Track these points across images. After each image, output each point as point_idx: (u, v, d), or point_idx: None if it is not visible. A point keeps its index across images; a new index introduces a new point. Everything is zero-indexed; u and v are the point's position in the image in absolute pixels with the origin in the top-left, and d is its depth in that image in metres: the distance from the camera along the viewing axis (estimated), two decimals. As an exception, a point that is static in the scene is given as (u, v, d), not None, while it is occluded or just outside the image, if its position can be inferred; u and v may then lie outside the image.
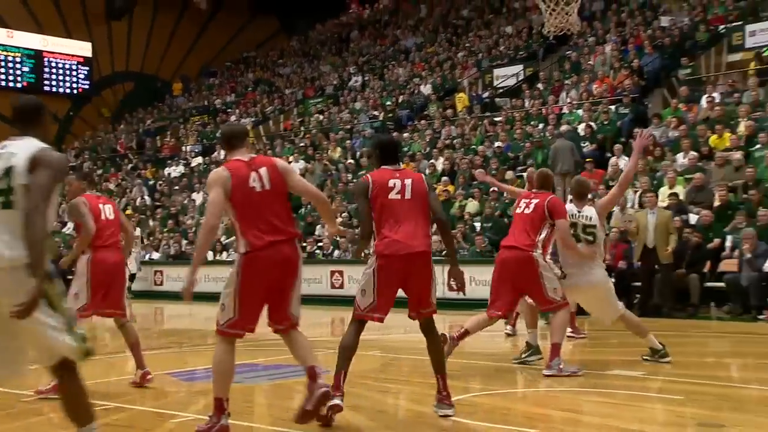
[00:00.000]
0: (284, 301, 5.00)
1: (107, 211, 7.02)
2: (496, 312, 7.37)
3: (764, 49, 18.81)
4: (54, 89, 35.01)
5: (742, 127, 15.28)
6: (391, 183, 5.34)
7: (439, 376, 5.43)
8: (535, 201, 7.36)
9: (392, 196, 5.32)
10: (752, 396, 6.36)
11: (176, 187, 25.50)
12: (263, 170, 4.98)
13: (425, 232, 5.37)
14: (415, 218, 5.33)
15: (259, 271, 4.85)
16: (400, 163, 5.57)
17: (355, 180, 20.34)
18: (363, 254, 5.59)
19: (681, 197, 13.78)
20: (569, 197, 8.03)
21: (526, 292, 7.45)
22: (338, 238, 17.25)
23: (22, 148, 3.81)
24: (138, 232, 20.43)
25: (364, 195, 5.35)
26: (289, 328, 5.04)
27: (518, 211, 7.46)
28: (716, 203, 13.31)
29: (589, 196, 8.18)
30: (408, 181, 5.38)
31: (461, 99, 22.94)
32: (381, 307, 5.34)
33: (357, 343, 5.39)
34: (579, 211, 7.62)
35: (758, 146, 14.48)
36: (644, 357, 7.70)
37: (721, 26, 20.25)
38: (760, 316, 11.60)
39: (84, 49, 35.73)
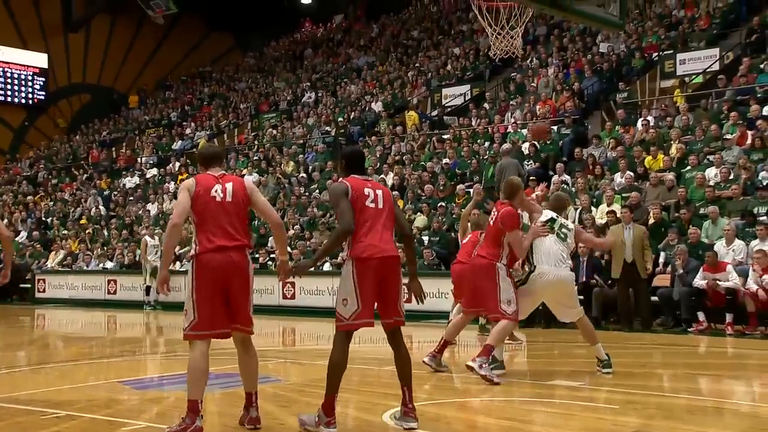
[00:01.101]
0: (242, 305, 5.23)
1: None
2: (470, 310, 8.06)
3: (693, 77, 19.33)
4: (9, 99, 34.29)
5: (674, 150, 15.66)
6: (366, 191, 5.32)
7: (406, 388, 5.27)
8: (495, 214, 7.77)
9: (368, 203, 5.30)
10: (682, 405, 6.50)
11: (131, 198, 25.12)
12: (229, 185, 5.31)
13: (393, 240, 5.41)
14: (385, 227, 5.33)
15: (209, 272, 5.11)
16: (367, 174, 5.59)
17: (307, 193, 20.31)
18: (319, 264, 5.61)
19: (618, 215, 14.02)
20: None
21: (482, 298, 7.67)
22: (291, 253, 17.16)
23: None
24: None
25: (345, 195, 5.26)
26: (249, 333, 5.32)
27: (490, 222, 7.87)
28: (651, 221, 13.58)
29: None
30: (379, 192, 5.38)
31: (411, 117, 23.07)
32: (367, 313, 5.20)
33: (347, 358, 5.23)
34: (557, 216, 7.96)
35: (688, 168, 14.85)
36: (597, 367, 7.88)
37: (655, 54, 20.76)
38: (690, 329, 11.86)
39: (40, 60, 35.01)
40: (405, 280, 5.42)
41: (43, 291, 21.34)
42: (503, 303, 7.42)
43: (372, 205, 5.30)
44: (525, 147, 17.99)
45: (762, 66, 17.20)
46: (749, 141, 14.92)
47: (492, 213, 7.93)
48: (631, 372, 8.17)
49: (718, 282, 11.71)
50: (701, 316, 11.93)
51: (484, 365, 7.19)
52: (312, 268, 5.69)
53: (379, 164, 20.40)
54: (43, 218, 25.89)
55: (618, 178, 15.53)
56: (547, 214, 7.93)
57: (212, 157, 5.46)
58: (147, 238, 18.81)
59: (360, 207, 5.26)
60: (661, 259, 12.92)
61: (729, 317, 11.61)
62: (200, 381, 5.09)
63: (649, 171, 15.15)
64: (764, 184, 13.56)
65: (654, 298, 12.47)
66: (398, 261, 5.31)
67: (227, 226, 5.20)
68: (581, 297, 12.36)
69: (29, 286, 21.68)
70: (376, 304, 5.28)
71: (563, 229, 7.85)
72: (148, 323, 16.27)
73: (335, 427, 5.12)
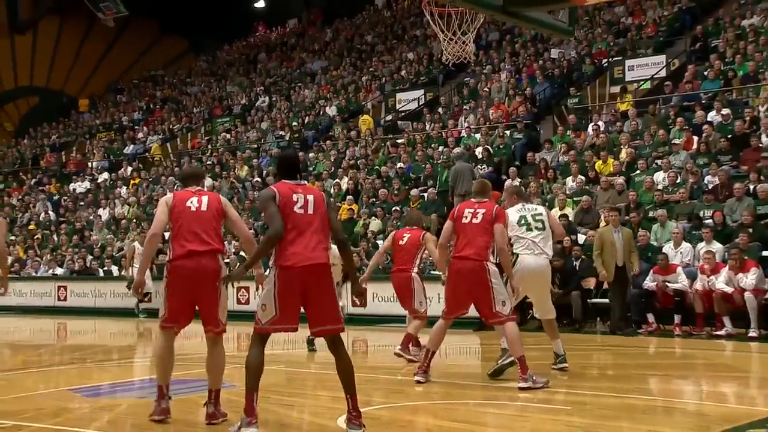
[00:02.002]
0: (210, 306, 5.69)
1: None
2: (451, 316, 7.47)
3: (641, 83, 19.70)
4: (-47, 102, 33.42)
5: (623, 154, 15.92)
6: (294, 197, 5.24)
7: (349, 397, 5.21)
8: (481, 210, 7.29)
9: (296, 209, 5.22)
10: (633, 405, 6.60)
11: (81, 203, 24.69)
12: (205, 197, 5.84)
13: (325, 246, 5.30)
14: (316, 233, 5.24)
15: (180, 276, 5.65)
16: (301, 179, 5.51)
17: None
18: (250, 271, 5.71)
19: (570, 218, 14.22)
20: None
21: (477, 302, 7.31)
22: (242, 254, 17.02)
23: None
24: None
25: (273, 200, 5.20)
26: (218, 333, 5.74)
27: (464, 221, 7.29)
28: (602, 224, 13.78)
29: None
30: (310, 197, 5.29)
31: (366, 121, 23.09)
32: (285, 319, 5.18)
33: (263, 359, 5.24)
34: (523, 205, 7.97)
35: (638, 172, 15.12)
36: (552, 366, 8.00)
37: (604, 60, 21.11)
38: (640, 330, 12.06)
39: (-15, 62, 34.19)
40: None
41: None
42: (498, 305, 7.08)
43: (300, 211, 5.23)
44: (478, 151, 18.13)
45: (705, 73, 17.61)
46: (695, 146, 15.25)
47: (465, 211, 7.35)
48: (583, 373, 8.28)
49: (667, 284, 11.95)
50: (651, 317, 12.15)
51: (534, 377, 6.99)
52: (244, 275, 5.74)
53: (333, 168, 20.37)
54: (-10, 224, 25.24)
55: (570, 182, 15.73)
56: (515, 211, 7.90)
57: (191, 176, 6.08)
58: (137, 244, 17.13)
59: (288, 212, 5.20)
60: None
61: (677, 318, 11.85)
62: (167, 366, 5.74)
63: (600, 175, 15.38)
64: (710, 188, 13.87)
65: (605, 300, 12.64)
66: (326, 267, 5.25)
67: (200, 233, 5.68)
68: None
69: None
70: (303, 310, 5.25)
71: (537, 217, 7.86)
72: (100, 330, 15.98)
73: (256, 426, 5.12)
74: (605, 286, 12.44)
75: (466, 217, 7.30)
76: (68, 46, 36.00)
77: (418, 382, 7.41)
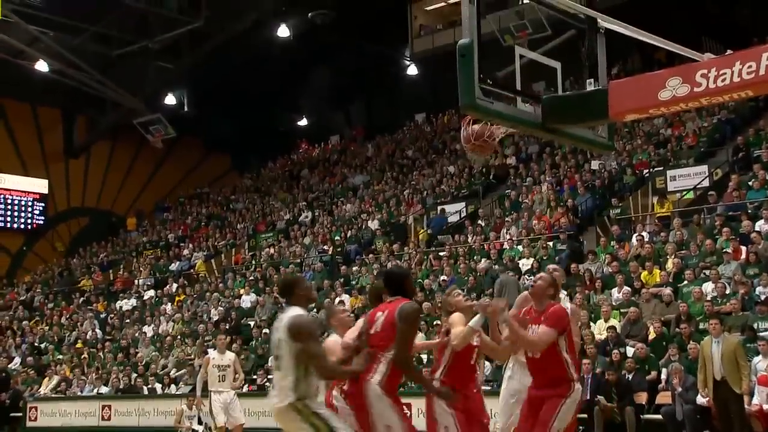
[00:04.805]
0: None
1: None
2: None
3: (684, 193, 19.73)
4: (9, 225, 34.50)
5: (670, 264, 15.80)
6: None
7: None
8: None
9: None
10: None
11: (127, 320, 25.03)
12: None
13: None
14: None
15: None
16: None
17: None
18: None
19: (618, 330, 14.04)
20: None
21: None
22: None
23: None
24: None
25: None
26: None
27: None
28: (651, 336, 13.57)
29: None
30: None
31: (421, 233, 23.26)
32: None
33: None
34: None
35: (685, 282, 14.96)
36: None
37: (645, 170, 21.24)
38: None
39: (40, 186, 35.43)
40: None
41: (35, 420, 20.92)
42: None
43: None
44: (526, 263, 18.08)
45: (750, 183, 17.61)
46: (743, 256, 15.09)
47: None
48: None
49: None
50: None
51: None
52: None
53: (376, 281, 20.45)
54: (37, 343, 25.64)
55: (615, 293, 15.60)
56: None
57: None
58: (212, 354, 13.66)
59: None
60: (663, 376, 12.84)
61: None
62: None
63: (646, 286, 15.24)
64: (762, 299, 13.64)
65: (657, 416, 12.30)
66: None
67: None
68: (584, 415, 12.28)
69: (21, 414, 21.25)
70: None
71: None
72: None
73: None
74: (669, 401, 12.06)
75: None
76: (118, 167, 37.37)
77: None
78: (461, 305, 6.37)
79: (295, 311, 5.62)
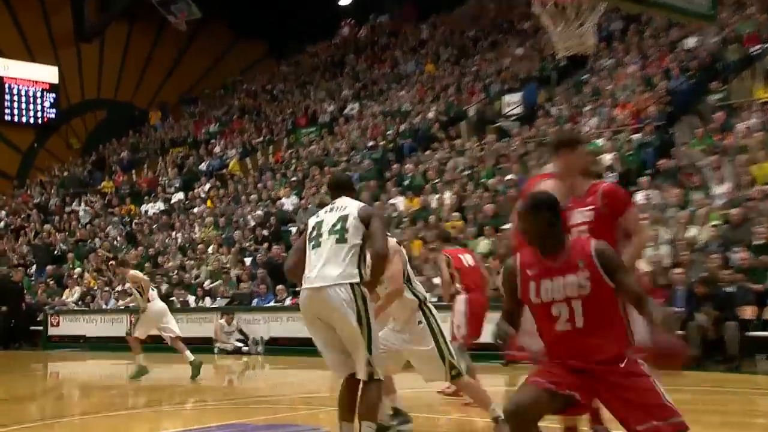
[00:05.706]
0: None
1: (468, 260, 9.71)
2: None
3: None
4: (17, 119, 34.57)
5: (780, 158, 15.14)
6: None
7: None
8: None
9: None
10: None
11: (155, 225, 25.29)
12: None
13: None
14: None
15: None
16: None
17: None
18: None
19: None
20: None
21: None
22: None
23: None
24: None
25: None
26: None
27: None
28: (758, 242, 13.09)
29: None
30: None
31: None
32: None
33: None
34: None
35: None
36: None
37: (756, 47, 20.15)
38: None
39: (50, 74, 35.27)
40: None
41: (57, 325, 21.49)
42: None
43: None
44: (606, 158, 17.50)
45: None
46: None
47: None
48: (743, 422, 7.76)
49: None
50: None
51: None
52: None
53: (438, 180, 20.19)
54: (57, 252, 26.09)
55: (717, 191, 15.05)
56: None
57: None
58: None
59: None
60: (773, 287, 12.43)
61: None
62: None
63: (754, 182, 14.66)
64: None
65: (766, 333, 11.95)
66: None
67: None
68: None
69: (41, 328, 21.79)
70: None
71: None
72: (177, 368, 16.14)
73: None
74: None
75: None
76: (138, 54, 37.01)
77: None
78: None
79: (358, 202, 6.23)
